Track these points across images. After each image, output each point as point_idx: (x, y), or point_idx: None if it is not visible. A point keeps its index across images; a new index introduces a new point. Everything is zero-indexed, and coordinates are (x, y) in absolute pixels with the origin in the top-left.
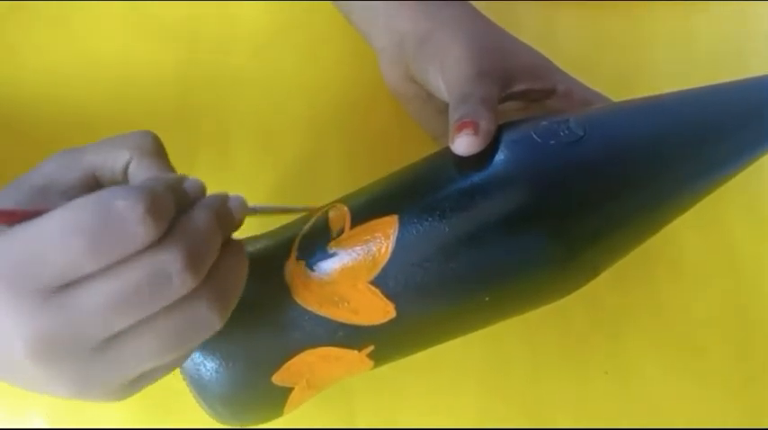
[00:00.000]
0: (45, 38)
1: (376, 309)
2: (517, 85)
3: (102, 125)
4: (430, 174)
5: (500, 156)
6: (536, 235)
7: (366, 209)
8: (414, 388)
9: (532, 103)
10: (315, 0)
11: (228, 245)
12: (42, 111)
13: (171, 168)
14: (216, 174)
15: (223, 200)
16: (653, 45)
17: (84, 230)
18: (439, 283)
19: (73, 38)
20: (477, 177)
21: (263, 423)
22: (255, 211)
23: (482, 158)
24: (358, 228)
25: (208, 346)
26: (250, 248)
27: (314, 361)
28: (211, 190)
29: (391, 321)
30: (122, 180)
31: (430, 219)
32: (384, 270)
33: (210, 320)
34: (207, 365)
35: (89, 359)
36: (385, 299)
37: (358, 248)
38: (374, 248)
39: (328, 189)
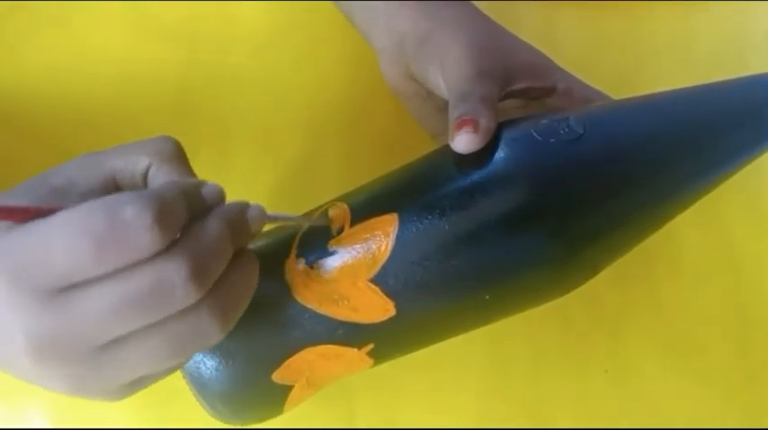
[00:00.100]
0: (45, 38)
1: (376, 307)
2: (517, 84)
3: (103, 125)
4: (430, 173)
5: (500, 154)
6: (536, 233)
7: (366, 207)
8: (414, 386)
9: (532, 101)
10: (315, 0)
11: (240, 255)
12: (43, 111)
13: (191, 173)
14: (215, 173)
15: (241, 209)
16: (653, 45)
17: (91, 234)
18: (439, 281)
19: (73, 38)
20: (476, 175)
21: (262, 421)
22: (275, 220)
23: (482, 156)
24: (358, 227)
25: None
26: (250, 246)
27: (314, 359)
28: None
29: (391, 319)
30: (142, 185)
31: (430, 217)
32: (384, 268)
33: (212, 332)
34: (207, 363)
35: (88, 360)
36: (385, 297)
37: (358, 246)
38: (374, 246)
39: (328, 188)
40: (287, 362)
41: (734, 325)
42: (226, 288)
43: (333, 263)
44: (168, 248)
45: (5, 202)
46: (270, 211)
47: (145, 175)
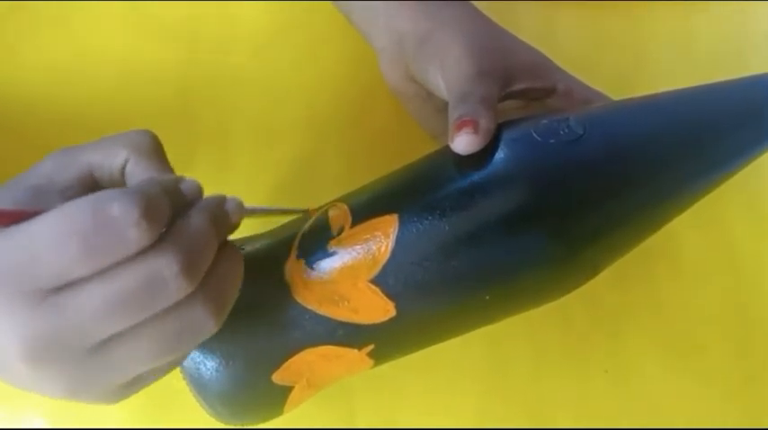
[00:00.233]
0: (45, 38)
1: (376, 308)
2: (517, 84)
3: (103, 125)
4: (430, 173)
5: (500, 155)
6: (536, 233)
7: (366, 208)
8: (414, 387)
9: (532, 102)
10: (315, 0)
11: (224, 248)
12: (42, 111)
13: (169, 168)
14: (215, 173)
15: (220, 202)
16: (653, 45)
17: (79, 234)
18: (439, 282)
19: (73, 38)
20: (476, 176)
21: (263, 422)
22: (252, 213)
23: (482, 157)
24: (358, 227)
25: (208, 345)
26: (250, 248)
27: (314, 360)
28: (211, 189)
29: (391, 320)
30: (120, 179)
31: (430, 217)
32: (384, 269)
33: (206, 324)
34: (207, 364)
35: (83, 361)
36: (385, 297)
37: (358, 247)
38: (374, 247)
39: (328, 188)
40: (287, 363)
41: (734, 325)
42: (215, 279)
43: (333, 263)
44: (156, 244)
45: None
46: (248, 205)
47: (123, 169)
